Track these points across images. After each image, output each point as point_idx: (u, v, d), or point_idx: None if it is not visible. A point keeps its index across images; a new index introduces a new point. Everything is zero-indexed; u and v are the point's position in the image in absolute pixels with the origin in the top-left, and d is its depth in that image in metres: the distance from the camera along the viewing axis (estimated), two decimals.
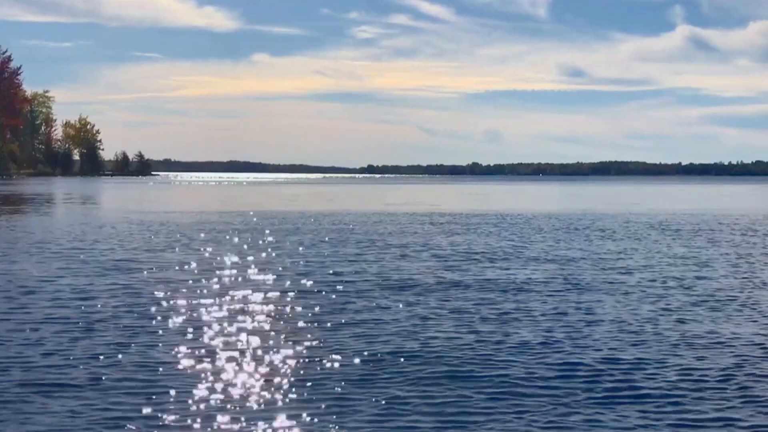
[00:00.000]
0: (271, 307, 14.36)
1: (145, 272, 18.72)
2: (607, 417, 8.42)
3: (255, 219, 39.01)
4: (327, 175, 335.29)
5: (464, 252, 24.02)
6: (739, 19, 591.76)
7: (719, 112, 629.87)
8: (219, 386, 9.34)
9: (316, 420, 8.23)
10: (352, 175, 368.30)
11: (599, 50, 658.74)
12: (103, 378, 9.60)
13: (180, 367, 10.16)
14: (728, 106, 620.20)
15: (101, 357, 10.58)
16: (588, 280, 18.27)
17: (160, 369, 10.02)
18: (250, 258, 21.88)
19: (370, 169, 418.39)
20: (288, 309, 14.20)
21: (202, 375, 9.81)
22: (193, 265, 20.19)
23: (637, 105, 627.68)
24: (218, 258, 21.82)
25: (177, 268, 19.65)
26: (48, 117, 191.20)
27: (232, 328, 12.47)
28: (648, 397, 9.11)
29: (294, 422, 8.17)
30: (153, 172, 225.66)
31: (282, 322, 13.03)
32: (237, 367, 10.15)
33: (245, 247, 25.14)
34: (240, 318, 13.33)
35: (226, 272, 18.87)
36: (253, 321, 13.08)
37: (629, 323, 13.26)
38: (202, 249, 24.14)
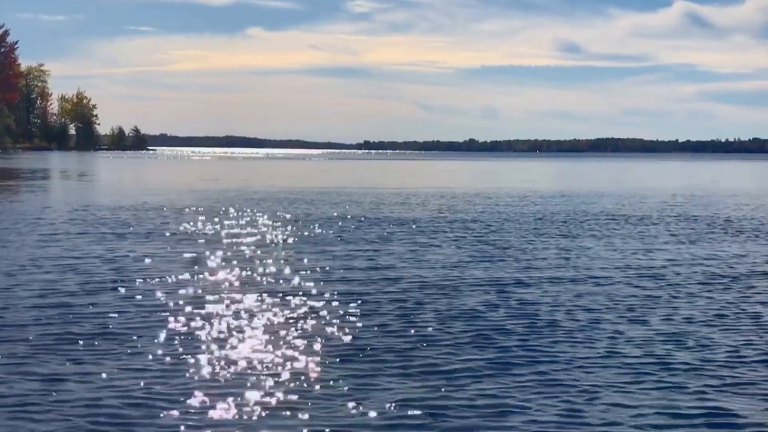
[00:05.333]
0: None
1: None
2: None
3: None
4: (328, 150, 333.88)
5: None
6: None
7: (716, 88, 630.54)
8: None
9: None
10: (352, 150, 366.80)
11: (595, 26, 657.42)
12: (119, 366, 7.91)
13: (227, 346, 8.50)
14: (725, 83, 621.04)
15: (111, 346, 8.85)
16: None
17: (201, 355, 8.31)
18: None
19: (367, 145, 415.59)
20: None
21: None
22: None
23: (634, 81, 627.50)
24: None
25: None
26: (44, 91, 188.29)
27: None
28: None
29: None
30: (149, 147, 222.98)
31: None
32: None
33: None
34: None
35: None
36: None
37: None
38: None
